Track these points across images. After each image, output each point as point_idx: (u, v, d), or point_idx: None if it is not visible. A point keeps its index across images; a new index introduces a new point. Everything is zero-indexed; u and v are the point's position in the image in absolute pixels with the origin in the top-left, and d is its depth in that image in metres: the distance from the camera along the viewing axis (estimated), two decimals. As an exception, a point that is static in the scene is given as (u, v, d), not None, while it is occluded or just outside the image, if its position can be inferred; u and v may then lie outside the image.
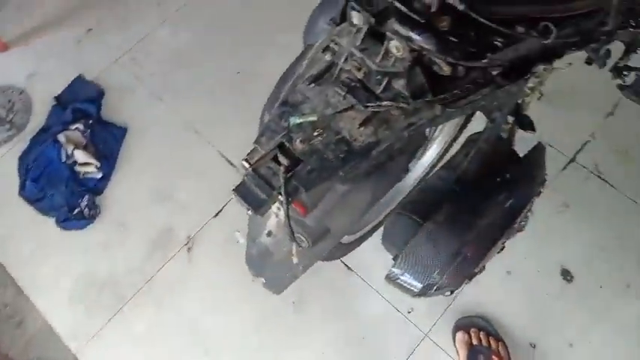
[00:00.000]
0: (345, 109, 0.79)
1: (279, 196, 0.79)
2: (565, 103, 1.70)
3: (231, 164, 1.87)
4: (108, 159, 1.89)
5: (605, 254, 1.61)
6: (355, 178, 0.85)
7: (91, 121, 1.94)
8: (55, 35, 2.17)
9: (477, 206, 1.09)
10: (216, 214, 1.79)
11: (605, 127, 1.79)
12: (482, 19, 0.69)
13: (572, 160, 1.75)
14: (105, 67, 2.08)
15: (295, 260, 0.97)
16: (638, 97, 1.19)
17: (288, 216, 0.79)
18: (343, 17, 0.83)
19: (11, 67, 2.11)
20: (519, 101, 1.17)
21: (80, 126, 1.91)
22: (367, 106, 0.78)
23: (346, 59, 0.81)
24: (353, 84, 0.80)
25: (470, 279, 1.08)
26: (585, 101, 1.78)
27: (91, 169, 1.86)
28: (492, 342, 1.47)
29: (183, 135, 1.92)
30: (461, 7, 0.68)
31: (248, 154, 0.84)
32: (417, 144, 1.02)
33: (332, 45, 0.84)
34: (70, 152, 1.86)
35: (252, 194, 0.80)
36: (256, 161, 0.81)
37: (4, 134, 1.99)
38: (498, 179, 1.13)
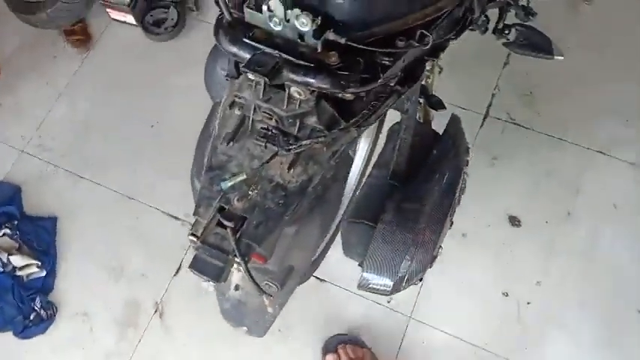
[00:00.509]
0: (270, 158, 0.81)
1: (235, 259, 0.80)
2: (464, 69, 1.81)
3: (174, 217, 1.84)
4: (47, 254, 1.81)
5: (540, 192, 1.74)
6: (300, 217, 0.88)
7: (16, 222, 1.84)
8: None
9: (417, 193, 1.15)
10: (176, 272, 1.76)
11: (505, 76, 1.92)
12: (364, 47, 0.74)
13: (486, 115, 1.87)
14: (12, 161, 1.97)
15: (269, 308, 0.99)
16: (522, 49, 1.30)
17: (250, 274, 0.81)
18: (237, 70, 0.85)
19: None
20: (423, 83, 1.24)
21: (6, 230, 1.81)
22: (289, 150, 0.80)
23: (255, 111, 0.84)
24: (269, 132, 0.82)
25: (433, 261, 1.15)
26: (480, 61, 1.89)
27: (32, 269, 1.77)
28: (359, 352, 1.53)
29: (116, 205, 1.87)
30: (342, 40, 0.72)
31: (192, 228, 0.84)
32: (346, 166, 1.06)
33: (237, 100, 0.86)
34: (5, 260, 1.76)
35: (209, 265, 0.81)
36: (202, 232, 0.82)
37: None
38: (428, 161, 1.20)
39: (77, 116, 2.03)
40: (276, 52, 0.73)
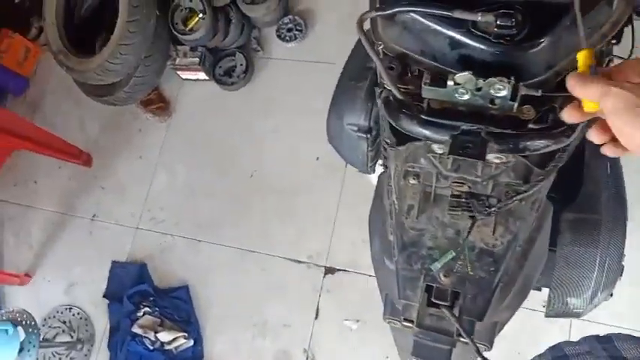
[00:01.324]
0: (471, 226, 0.77)
1: (460, 338, 0.77)
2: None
3: (297, 261, 1.84)
4: (189, 323, 1.86)
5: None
6: (510, 278, 0.83)
7: (152, 298, 1.90)
8: (64, 239, 2.12)
9: (587, 202, 1.06)
10: (317, 316, 1.76)
11: None
12: (559, 94, 0.67)
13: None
14: (130, 241, 2.04)
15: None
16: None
17: (479, 352, 0.77)
18: (395, 134, 0.80)
19: (44, 293, 2.06)
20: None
21: (146, 309, 1.88)
22: (490, 213, 0.76)
23: (438, 179, 0.79)
24: (462, 200, 0.77)
25: (621, 272, 1.07)
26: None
27: (180, 341, 1.83)
28: None
29: (239, 261, 1.89)
30: (538, 93, 0.66)
31: (404, 314, 0.82)
32: (548, 212, 0.98)
33: (411, 170, 0.81)
34: (153, 338, 1.83)
35: (434, 351, 0.78)
36: (418, 317, 0.79)
37: (81, 355, 1.95)
38: (584, 161, 1.10)
39: (177, 182, 2.07)
40: (475, 126, 0.68)
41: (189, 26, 1.99)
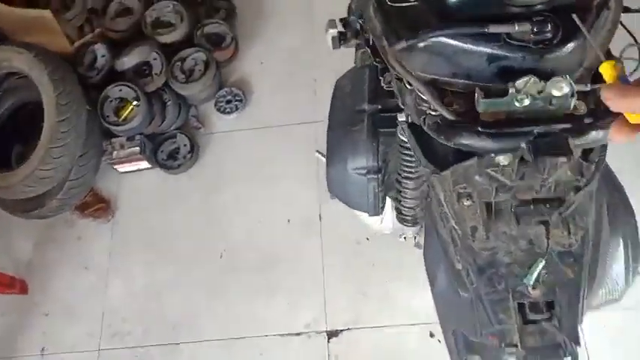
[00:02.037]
0: (548, 232, 0.76)
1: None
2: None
3: (296, 334, 1.70)
4: None
5: None
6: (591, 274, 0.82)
7: None
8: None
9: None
10: (332, 388, 1.62)
11: None
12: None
13: None
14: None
15: None
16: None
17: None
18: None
19: None
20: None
21: None
22: (561, 213, 0.75)
23: (497, 193, 0.78)
24: (529, 207, 0.76)
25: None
26: None
27: None
28: None
29: (232, 352, 1.70)
30: (588, 87, 0.69)
31: (504, 340, 0.77)
32: (602, 196, 0.98)
33: (463, 191, 0.80)
34: None
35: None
36: (520, 339, 0.74)
37: None
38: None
39: (136, 286, 1.84)
40: (551, 127, 0.68)
41: (123, 116, 1.87)
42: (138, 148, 1.88)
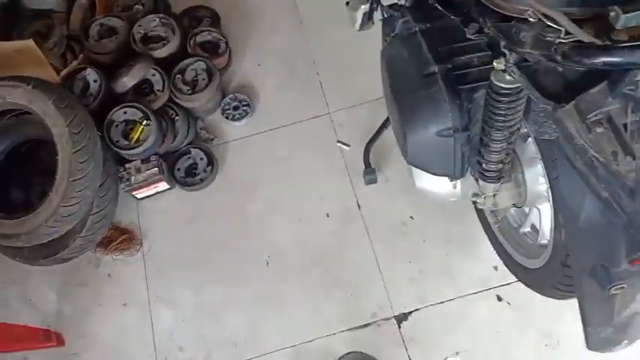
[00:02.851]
0: None
1: None
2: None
3: (366, 325, 1.64)
4: None
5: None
6: None
7: None
8: None
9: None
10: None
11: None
12: None
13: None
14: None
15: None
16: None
17: None
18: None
19: None
20: None
21: None
22: None
23: (634, 112, 0.78)
24: None
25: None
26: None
27: None
28: None
29: (301, 358, 1.63)
30: None
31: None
32: None
33: (595, 119, 0.79)
34: None
35: None
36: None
37: None
38: None
39: (186, 310, 1.73)
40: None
41: (134, 138, 1.76)
42: (156, 169, 1.78)
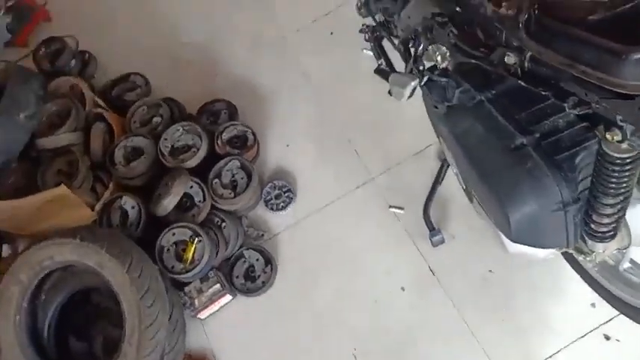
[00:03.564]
0: None
1: None
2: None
3: None
4: None
5: None
6: None
7: None
8: None
9: None
10: None
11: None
12: None
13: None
14: None
15: None
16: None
17: None
18: None
19: None
20: None
21: None
22: None
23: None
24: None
25: None
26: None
27: None
28: None
29: None
30: None
31: None
32: None
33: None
34: None
35: None
36: None
37: None
38: None
39: None
40: None
41: (189, 259, 1.67)
42: (218, 284, 1.69)
